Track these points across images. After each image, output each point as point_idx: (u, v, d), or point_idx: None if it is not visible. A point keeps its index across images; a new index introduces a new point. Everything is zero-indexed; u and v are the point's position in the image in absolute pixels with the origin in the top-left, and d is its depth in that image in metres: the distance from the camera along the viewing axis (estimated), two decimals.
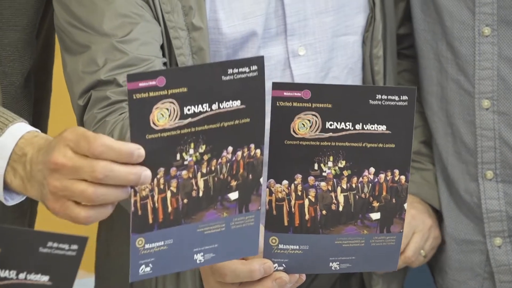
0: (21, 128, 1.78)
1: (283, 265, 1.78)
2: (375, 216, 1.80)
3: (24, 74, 2.36)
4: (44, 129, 2.55)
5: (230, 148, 1.75)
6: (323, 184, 1.75)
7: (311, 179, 1.75)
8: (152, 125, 1.61)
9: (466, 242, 2.39)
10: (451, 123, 2.38)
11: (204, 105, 1.67)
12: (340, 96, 1.77)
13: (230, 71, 1.70)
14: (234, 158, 1.79)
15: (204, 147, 1.72)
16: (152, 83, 1.62)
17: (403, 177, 1.80)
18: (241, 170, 1.77)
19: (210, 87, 1.70)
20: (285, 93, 1.73)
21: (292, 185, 1.75)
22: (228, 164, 1.77)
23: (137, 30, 2.10)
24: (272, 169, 1.76)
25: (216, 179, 1.76)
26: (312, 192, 1.75)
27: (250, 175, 1.78)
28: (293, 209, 1.77)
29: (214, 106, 1.69)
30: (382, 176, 1.78)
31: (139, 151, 1.51)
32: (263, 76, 1.72)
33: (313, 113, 1.72)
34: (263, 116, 1.75)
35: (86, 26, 2.12)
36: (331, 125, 1.72)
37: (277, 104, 1.73)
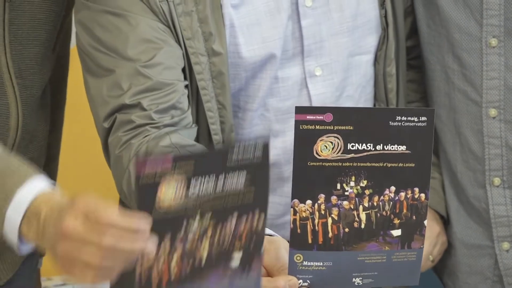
0: (38, 184, 1.79)
1: (308, 281, 1.83)
2: (396, 232, 1.84)
3: (43, 86, 2.38)
4: (59, 136, 2.60)
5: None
6: (345, 203, 1.80)
7: (334, 198, 1.79)
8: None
9: (475, 246, 2.39)
10: (459, 132, 2.39)
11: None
12: (361, 118, 1.81)
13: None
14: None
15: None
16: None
17: (423, 195, 1.85)
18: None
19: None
20: (308, 117, 1.77)
21: (316, 205, 1.79)
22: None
23: (160, 55, 2.12)
24: (296, 189, 1.80)
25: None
26: (335, 211, 1.80)
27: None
28: (316, 228, 1.81)
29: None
30: (402, 194, 1.83)
31: (144, 226, 1.53)
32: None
33: (335, 135, 1.76)
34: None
35: (110, 51, 2.14)
36: (352, 146, 1.77)
37: (300, 128, 1.76)
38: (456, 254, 2.43)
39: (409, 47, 2.43)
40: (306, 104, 2.24)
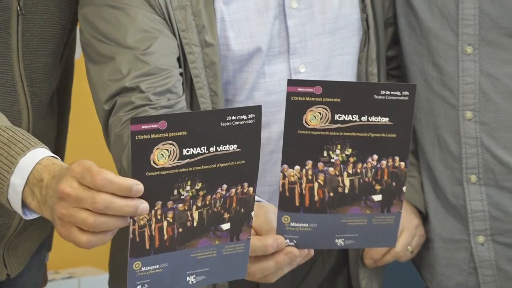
0: (41, 153, 1.87)
1: (294, 241, 1.90)
2: (377, 198, 1.92)
3: (50, 94, 2.46)
4: (64, 141, 2.68)
5: (224, 186, 1.87)
6: (331, 169, 1.87)
7: (320, 164, 1.87)
8: (152, 163, 1.72)
9: (452, 241, 2.47)
10: (437, 134, 2.47)
11: (202, 148, 1.78)
12: (348, 91, 1.90)
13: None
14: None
15: (200, 184, 1.83)
16: (154, 126, 1.74)
17: (402, 163, 1.93)
18: (234, 205, 1.89)
19: (208, 132, 1.81)
20: (298, 89, 1.85)
21: (304, 170, 1.87)
22: (222, 199, 1.90)
23: (157, 43, 2.21)
24: (285, 155, 1.88)
25: (210, 211, 1.88)
26: (321, 176, 1.88)
27: (242, 209, 1.89)
28: (303, 191, 1.89)
29: (212, 149, 1.80)
30: (384, 162, 1.92)
31: (137, 186, 1.62)
32: (259, 123, 1.83)
33: (324, 106, 1.85)
34: (257, 158, 1.86)
35: (111, 40, 2.24)
36: (339, 117, 1.85)
37: (292, 99, 1.85)
38: (434, 248, 2.50)
39: (390, 57, 2.55)
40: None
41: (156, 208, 1.79)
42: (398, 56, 2.58)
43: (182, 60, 2.28)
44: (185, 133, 1.76)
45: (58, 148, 2.59)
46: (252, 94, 2.35)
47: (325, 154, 1.88)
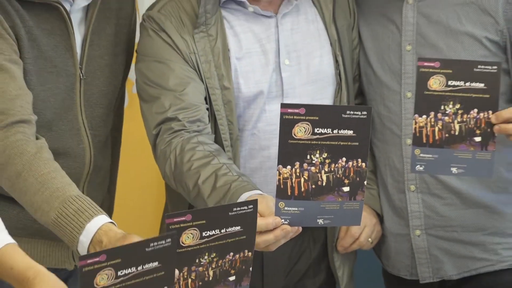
0: (101, 220, 1.93)
1: (287, 220, 2.04)
2: (346, 189, 2.07)
3: (106, 134, 2.50)
4: (116, 168, 2.69)
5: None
6: (312, 168, 2.03)
7: (305, 165, 2.03)
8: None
9: (399, 235, 2.53)
10: (388, 156, 2.53)
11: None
12: (323, 112, 2.04)
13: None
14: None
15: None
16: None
17: (363, 164, 2.08)
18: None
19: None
20: (288, 110, 2.01)
21: (293, 169, 2.03)
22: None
23: (190, 87, 2.31)
24: (280, 158, 2.03)
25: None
26: (305, 173, 2.03)
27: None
28: (293, 184, 2.03)
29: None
30: (350, 163, 2.06)
31: None
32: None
33: (307, 122, 2.01)
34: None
35: (157, 85, 2.34)
36: (318, 130, 2.01)
37: (284, 117, 2.00)
38: (387, 241, 2.58)
39: (356, 103, 2.61)
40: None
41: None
42: (362, 103, 2.63)
43: (208, 99, 2.37)
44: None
45: (112, 173, 2.61)
46: (257, 125, 2.41)
47: (308, 157, 2.03)
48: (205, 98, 2.35)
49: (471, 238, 2.47)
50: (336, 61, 2.49)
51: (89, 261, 1.62)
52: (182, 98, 2.29)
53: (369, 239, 2.50)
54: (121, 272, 1.65)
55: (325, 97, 2.46)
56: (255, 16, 2.40)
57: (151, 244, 1.66)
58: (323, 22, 2.48)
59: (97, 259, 1.62)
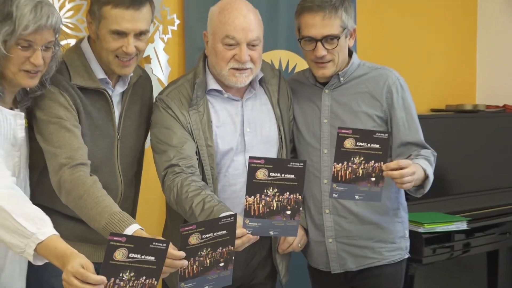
0: (135, 227, 2.01)
1: (250, 231, 2.18)
2: (288, 212, 2.22)
3: (132, 175, 2.51)
4: (138, 196, 2.63)
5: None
6: (267, 198, 2.19)
7: (263, 196, 2.19)
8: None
9: (318, 242, 2.61)
10: (311, 191, 2.59)
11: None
12: (275, 162, 2.21)
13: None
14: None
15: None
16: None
17: (300, 196, 2.21)
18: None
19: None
20: (254, 160, 2.16)
21: (255, 198, 2.18)
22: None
23: (187, 145, 2.37)
24: (247, 191, 2.17)
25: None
26: (263, 201, 2.18)
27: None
28: (255, 208, 2.18)
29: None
30: (291, 196, 2.21)
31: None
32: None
33: (265, 169, 2.17)
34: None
35: (164, 143, 2.39)
36: (271, 174, 2.18)
37: (251, 165, 2.15)
38: (310, 246, 2.64)
39: (291, 157, 2.64)
40: (244, 173, 2.44)
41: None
42: (294, 156, 2.67)
43: (197, 153, 2.41)
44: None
45: (135, 200, 2.57)
46: (228, 170, 2.47)
47: (265, 191, 2.19)
48: (196, 152, 2.39)
49: (365, 244, 2.56)
50: (279, 130, 2.53)
51: (115, 238, 1.76)
52: (182, 152, 2.34)
53: (299, 245, 2.56)
54: (131, 255, 1.78)
55: (272, 152, 2.51)
56: (228, 99, 2.46)
57: (153, 243, 1.80)
58: (271, 104, 2.54)
59: (119, 238, 1.77)
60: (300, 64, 3.57)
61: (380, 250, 2.57)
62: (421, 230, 3.53)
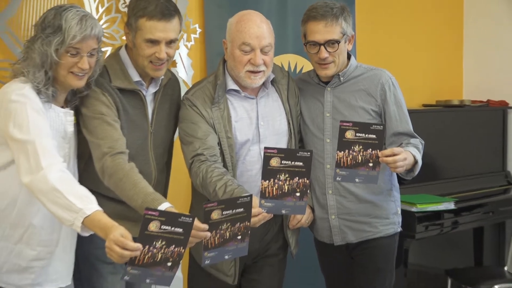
0: (166, 205, 2.00)
1: (265, 210, 2.18)
2: (298, 194, 2.21)
3: (164, 163, 2.50)
4: (168, 181, 2.59)
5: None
6: (280, 182, 2.19)
7: (276, 180, 2.20)
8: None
9: (322, 218, 2.61)
10: (316, 175, 2.56)
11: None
12: (286, 152, 2.22)
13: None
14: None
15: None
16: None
17: (308, 180, 2.20)
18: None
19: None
20: (268, 150, 2.18)
21: (269, 182, 2.20)
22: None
23: (210, 137, 2.36)
24: (263, 176, 2.18)
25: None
26: (276, 185, 2.19)
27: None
28: (269, 190, 2.19)
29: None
30: (300, 180, 2.21)
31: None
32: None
33: (277, 157, 2.19)
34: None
35: (190, 136, 2.38)
36: (283, 162, 2.20)
37: (266, 154, 2.17)
38: (316, 222, 2.63)
39: (299, 147, 2.61)
40: (259, 162, 2.41)
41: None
42: (301, 146, 2.64)
43: (219, 144, 2.38)
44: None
45: (166, 184, 2.54)
46: (245, 158, 2.44)
47: (277, 176, 2.20)
48: (218, 143, 2.38)
49: (363, 220, 2.56)
50: (288, 123, 2.52)
51: (149, 212, 1.80)
52: (206, 143, 2.34)
53: (306, 221, 2.56)
54: (163, 227, 1.81)
55: (282, 142, 2.50)
56: (245, 98, 2.46)
57: (181, 217, 1.83)
58: (281, 101, 2.53)
59: (153, 212, 1.80)
60: (306, 66, 3.55)
61: (376, 224, 2.58)
62: (414, 209, 3.54)
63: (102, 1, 3.01)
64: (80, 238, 2.24)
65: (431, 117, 4.10)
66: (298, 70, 3.59)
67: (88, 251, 2.34)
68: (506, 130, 4.64)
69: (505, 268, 3.97)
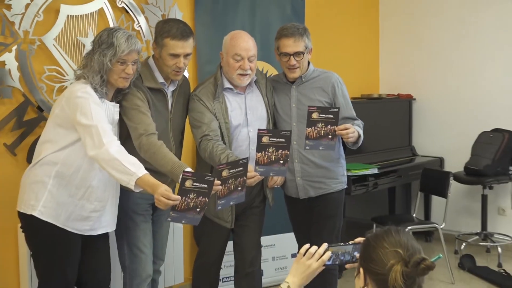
0: (189, 169, 2.05)
1: (259, 173, 2.28)
2: (282, 162, 2.26)
3: (179, 141, 2.52)
4: (181, 153, 2.56)
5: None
6: (269, 153, 2.29)
7: (266, 153, 2.28)
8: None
9: (291, 180, 2.63)
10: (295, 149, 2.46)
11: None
12: (273, 132, 2.30)
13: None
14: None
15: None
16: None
17: (288, 152, 2.25)
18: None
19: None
20: (261, 131, 2.29)
21: (261, 153, 2.30)
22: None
23: (213, 123, 2.40)
24: (257, 149, 2.27)
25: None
26: (266, 156, 2.29)
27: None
28: (261, 159, 2.28)
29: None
30: (283, 152, 2.24)
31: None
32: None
33: (268, 135, 2.29)
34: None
35: (198, 121, 2.42)
36: (271, 139, 2.29)
37: (259, 133, 2.27)
38: (286, 183, 2.63)
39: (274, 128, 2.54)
40: (247, 140, 2.47)
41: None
42: (276, 127, 2.59)
43: (220, 127, 2.42)
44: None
45: (180, 155, 2.51)
46: (238, 137, 2.48)
47: (267, 149, 2.29)
48: (219, 127, 2.43)
49: (320, 180, 2.62)
50: (267, 112, 2.57)
51: (185, 173, 1.93)
52: (210, 126, 2.39)
53: (281, 181, 2.62)
54: (194, 184, 1.93)
55: (263, 125, 2.55)
56: (237, 93, 2.50)
57: (206, 177, 1.94)
58: (262, 96, 2.58)
59: (188, 174, 1.93)
60: (270, 70, 3.52)
61: (329, 183, 2.65)
62: (349, 174, 3.60)
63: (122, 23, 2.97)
64: (120, 196, 2.33)
65: (359, 107, 3.66)
66: (264, 72, 3.39)
67: (127, 205, 2.39)
68: (411, 116, 4.81)
69: (413, 215, 4.14)
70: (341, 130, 2.33)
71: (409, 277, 1.21)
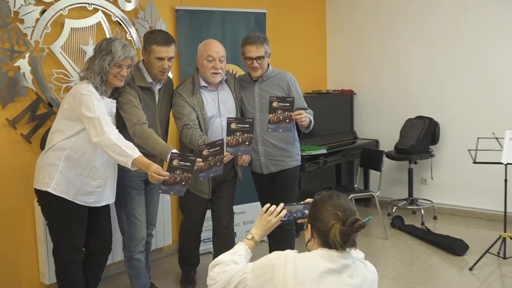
0: (175, 150, 2.05)
1: (229, 153, 2.28)
2: (247, 143, 2.27)
3: (165, 130, 2.49)
4: (167, 138, 2.49)
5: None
6: (236, 137, 2.28)
7: (234, 136, 2.29)
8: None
9: (256, 159, 2.60)
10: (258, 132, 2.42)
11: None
12: (240, 120, 2.31)
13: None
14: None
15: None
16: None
17: (251, 136, 2.26)
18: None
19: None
20: (229, 119, 2.30)
21: (230, 137, 2.30)
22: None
23: (192, 114, 2.37)
24: (227, 134, 2.27)
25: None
26: (234, 139, 2.29)
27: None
28: (231, 142, 2.27)
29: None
30: (248, 135, 2.25)
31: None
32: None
33: (235, 123, 2.32)
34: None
35: (179, 114, 2.41)
36: (238, 125, 2.31)
37: (228, 121, 2.30)
38: (253, 161, 2.62)
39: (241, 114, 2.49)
40: (220, 128, 2.46)
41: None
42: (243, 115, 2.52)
43: (197, 118, 2.42)
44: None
45: (166, 141, 2.44)
46: (212, 126, 2.48)
47: (235, 134, 2.31)
48: (197, 118, 2.43)
49: (279, 159, 2.63)
50: (236, 105, 2.57)
51: (172, 154, 1.93)
52: (190, 117, 2.39)
53: (248, 160, 2.64)
54: (180, 162, 1.95)
55: (232, 115, 2.54)
56: (211, 90, 2.51)
57: (189, 157, 1.92)
58: (231, 92, 2.58)
59: (175, 154, 1.94)
60: (239, 71, 3.52)
61: (287, 161, 2.68)
62: (303, 154, 3.60)
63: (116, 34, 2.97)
64: (118, 175, 2.33)
65: (311, 100, 3.93)
66: (233, 73, 3.24)
67: (124, 182, 2.41)
68: (353, 107, 4.84)
69: (355, 185, 4.19)
70: (296, 115, 2.35)
71: (345, 234, 1.24)
